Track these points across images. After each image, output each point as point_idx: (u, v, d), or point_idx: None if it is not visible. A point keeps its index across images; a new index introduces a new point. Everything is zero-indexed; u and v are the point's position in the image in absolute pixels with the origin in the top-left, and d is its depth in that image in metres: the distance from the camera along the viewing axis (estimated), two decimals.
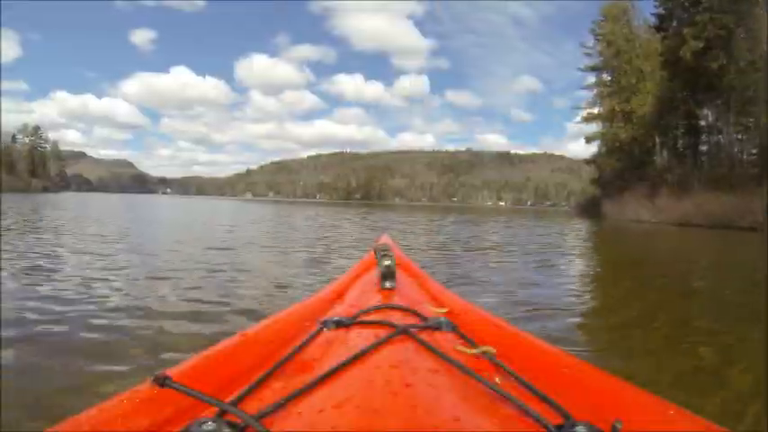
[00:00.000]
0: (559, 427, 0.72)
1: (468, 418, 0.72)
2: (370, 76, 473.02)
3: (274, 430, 0.68)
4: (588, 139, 49.92)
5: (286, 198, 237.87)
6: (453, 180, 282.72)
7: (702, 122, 37.81)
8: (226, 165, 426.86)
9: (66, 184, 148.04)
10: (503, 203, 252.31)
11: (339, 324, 1.18)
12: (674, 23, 37.99)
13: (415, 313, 1.26)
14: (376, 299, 1.44)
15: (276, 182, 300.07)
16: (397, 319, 1.19)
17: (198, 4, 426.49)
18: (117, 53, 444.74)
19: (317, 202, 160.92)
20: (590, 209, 48.92)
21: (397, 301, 1.39)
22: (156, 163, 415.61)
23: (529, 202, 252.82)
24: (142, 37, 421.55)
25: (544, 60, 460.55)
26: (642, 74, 43.06)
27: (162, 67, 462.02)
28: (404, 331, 1.04)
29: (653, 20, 41.74)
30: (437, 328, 1.17)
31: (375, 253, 1.77)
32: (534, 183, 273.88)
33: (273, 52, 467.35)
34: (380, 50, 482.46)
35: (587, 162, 53.39)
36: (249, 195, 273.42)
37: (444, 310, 1.38)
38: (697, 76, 33.79)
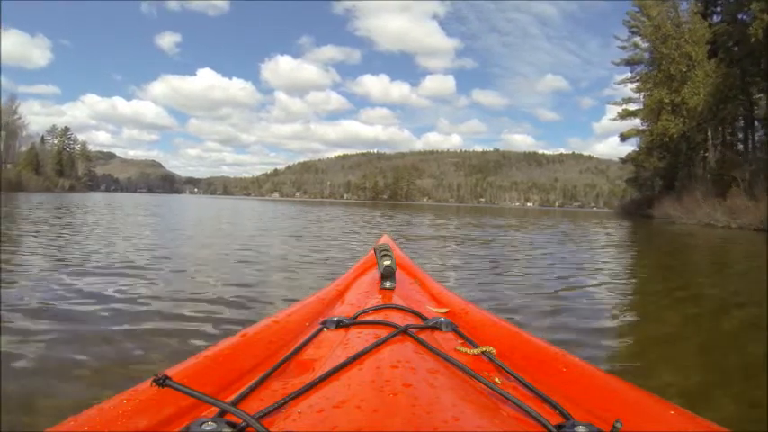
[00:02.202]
0: (559, 426, 0.73)
1: (468, 418, 0.71)
2: (395, 76, 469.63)
3: (274, 430, 0.68)
4: (624, 137, 47.11)
5: (313, 198, 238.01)
6: (481, 180, 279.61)
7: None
8: (252, 165, 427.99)
9: (94, 183, 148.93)
10: (530, 204, 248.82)
11: (339, 324, 1.19)
12: (719, 8, 34.92)
13: (415, 313, 1.27)
14: (376, 299, 1.43)
15: (303, 182, 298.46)
16: (397, 319, 1.19)
17: (222, 8, 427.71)
18: (144, 57, 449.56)
19: (344, 201, 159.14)
20: (634, 209, 46.12)
21: (397, 301, 1.39)
22: (183, 163, 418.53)
23: (557, 203, 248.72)
24: (168, 41, 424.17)
25: (569, 59, 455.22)
26: (692, 61, 39.02)
27: (188, 69, 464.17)
28: (404, 331, 1.05)
29: (698, 5, 38.80)
30: (437, 328, 1.18)
31: (375, 253, 1.74)
32: (562, 183, 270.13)
33: (297, 53, 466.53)
34: (405, 51, 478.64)
35: (623, 161, 50.68)
36: (276, 195, 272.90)
37: (444, 310, 1.40)
38: (759, 60, 30.60)
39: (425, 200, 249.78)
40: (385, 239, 2.31)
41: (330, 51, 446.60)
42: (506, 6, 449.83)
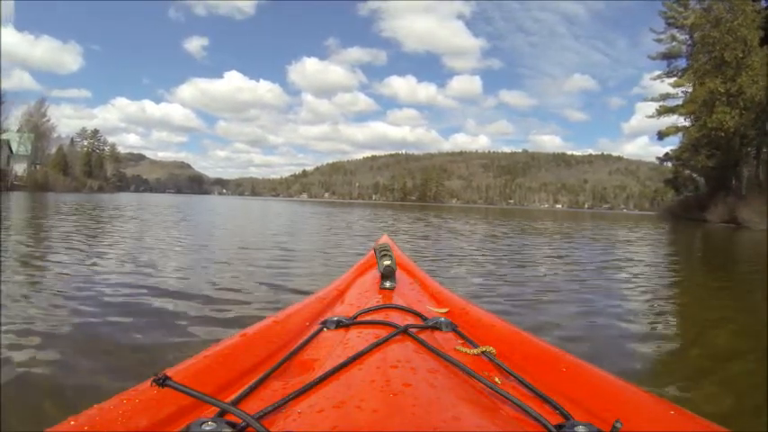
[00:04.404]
0: (559, 426, 0.74)
1: (468, 418, 0.72)
2: (422, 77, 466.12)
3: (274, 430, 0.69)
4: (662, 135, 44.54)
5: (342, 199, 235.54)
6: (509, 182, 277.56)
7: None
8: (281, 166, 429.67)
9: (124, 184, 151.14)
10: (559, 206, 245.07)
11: (339, 324, 1.20)
12: None
13: (415, 313, 1.28)
14: (376, 299, 1.44)
15: (332, 183, 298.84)
16: (397, 319, 1.20)
17: (248, 12, 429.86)
18: (172, 60, 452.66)
19: (372, 202, 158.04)
20: (682, 212, 42.35)
21: (397, 301, 1.40)
22: (212, 164, 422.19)
23: (586, 205, 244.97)
24: (195, 44, 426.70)
25: (597, 58, 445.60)
26: (746, 46, 35.40)
27: (215, 72, 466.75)
28: (404, 331, 1.06)
29: None
30: (437, 328, 1.19)
31: (375, 253, 1.75)
32: (591, 185, 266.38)
33: (324, 55, 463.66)
34: (431, 52, 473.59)
35: (661, 160, 48.12)
36: (305, 196, 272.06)
37: (444, 310, 1.40)
38: None
39: (454, 201, 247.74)
40: (385, 239, 2.29)
41: (356, 53, 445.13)
42: (532, 6, 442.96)
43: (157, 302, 4.06)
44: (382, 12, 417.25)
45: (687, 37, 41.83)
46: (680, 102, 42.52)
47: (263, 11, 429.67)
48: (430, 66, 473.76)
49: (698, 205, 39.46)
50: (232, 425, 0.69)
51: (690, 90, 41.10)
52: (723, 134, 36.72)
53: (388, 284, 1.58)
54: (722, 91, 36.36)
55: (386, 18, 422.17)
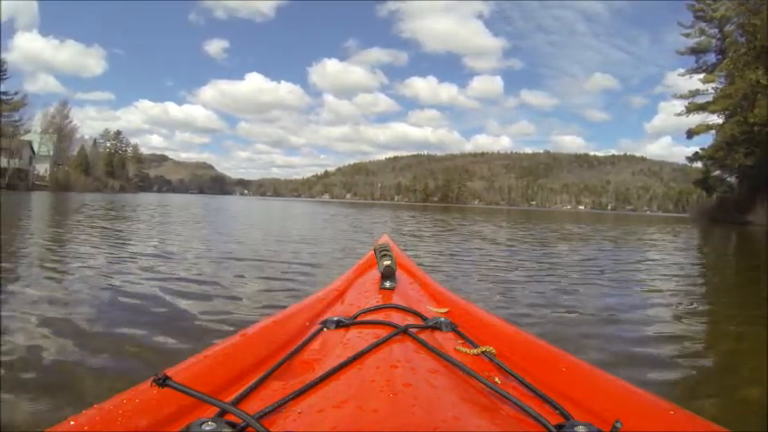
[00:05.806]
0: (559, 426, 0.74)
1: (468, 418, 0.72)
2: (443, 78, 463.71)
3: (274, 430, 0.69)
4: (692, 133, 42.62)
5: (363, 200, 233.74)
6: (531, 183, 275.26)
7: None
8: (303, 167, 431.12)
9: (146, 185, 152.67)
10: (582, 207, 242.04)
11: (339, 324, 1.21)
12: None
13: (415, 313, 1.28)
14: (376, 299, 1.44)
15: (353, 183, 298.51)
16: (397, 318, 1.20)
17: (267, 14, 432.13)
18: (193, 63, 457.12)
19: (394, 203, 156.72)
20: (721, 215, 38.84)
21: (396, 300, 1.40)
22: (234, 165, 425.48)
23: (609, 207, 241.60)
24: (216, 47, 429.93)
25: (618, 56, 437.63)
26: None
27: (236, 74, 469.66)
28: (404, 331, 1.06)
29: None
30: (437, 328, 1.19)
31: (375, 253, 1.76)
32: (614, 186, 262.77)
33: (344, 56, 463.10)
34: (452, 52, 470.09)
35: (691, 159, 45.89)
36: (327, 197, 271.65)
37: (444, 310, 1.40)
38: None
39: (476, 202, 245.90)
40: (385, 239, 2.27)
41: (377, 54, 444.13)
42: (551, 4, 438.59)
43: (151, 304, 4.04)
44: (402, 12, 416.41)
45: (716, 30, 40.34)
46: (710, 98, 40.96)
47: (282, 13, 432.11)
48: (451, 66, 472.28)
49: (736, 207, 37.23)
50: (232, 425, 0.69)
51: (721, 86, 39.42)
52: (767, 129, 34.20)
53: (388, 284, 1.57)
54: (764, 83, 34.04)
55: (405, 19, 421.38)
